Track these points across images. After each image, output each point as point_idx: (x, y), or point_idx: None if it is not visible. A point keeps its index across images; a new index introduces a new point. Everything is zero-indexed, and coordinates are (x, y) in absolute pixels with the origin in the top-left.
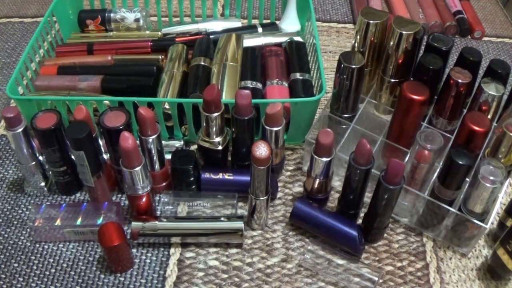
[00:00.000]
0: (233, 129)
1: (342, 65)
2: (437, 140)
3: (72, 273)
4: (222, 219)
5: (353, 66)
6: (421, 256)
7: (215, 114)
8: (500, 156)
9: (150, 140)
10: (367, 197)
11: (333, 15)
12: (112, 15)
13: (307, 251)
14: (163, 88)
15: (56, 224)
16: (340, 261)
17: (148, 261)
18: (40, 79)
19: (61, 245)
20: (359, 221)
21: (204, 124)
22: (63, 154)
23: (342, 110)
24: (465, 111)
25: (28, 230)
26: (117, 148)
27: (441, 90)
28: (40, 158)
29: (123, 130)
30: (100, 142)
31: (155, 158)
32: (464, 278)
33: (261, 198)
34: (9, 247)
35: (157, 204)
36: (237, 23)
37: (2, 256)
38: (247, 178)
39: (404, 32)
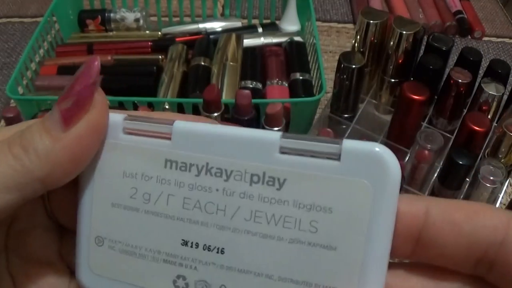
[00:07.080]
0: None
1: (342, 65)
2: (437, 140)
3: None
4: None
5: (353, 66)
6: None
7: (215, 114)
8: (500, 156)
9: None
10: None
11: (333, 15)
12: (112, 15)
13: None
14: (163, 88)
15: None
16: None
17: None
18: (40, 79)
19: None
20: None
21: None
22: None
23: (342, 110)
24: (465, 111)
25: None
26: None
27: (441, 90)
28: None
29: None
30: None
31: None
32: None
33: None
34: None
35: None
36: (237, 23)
37: None
38: None
39: (404, 32)
